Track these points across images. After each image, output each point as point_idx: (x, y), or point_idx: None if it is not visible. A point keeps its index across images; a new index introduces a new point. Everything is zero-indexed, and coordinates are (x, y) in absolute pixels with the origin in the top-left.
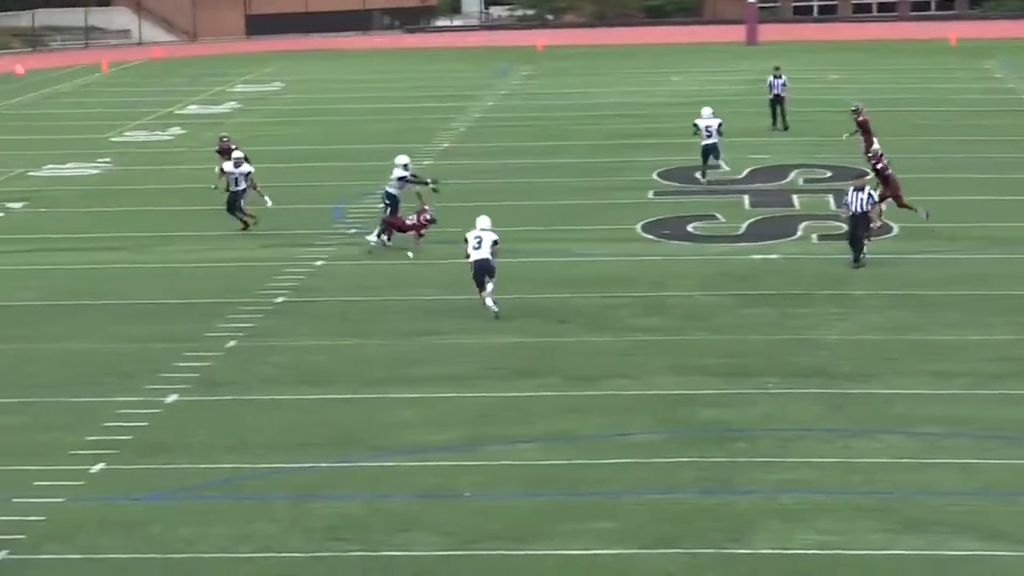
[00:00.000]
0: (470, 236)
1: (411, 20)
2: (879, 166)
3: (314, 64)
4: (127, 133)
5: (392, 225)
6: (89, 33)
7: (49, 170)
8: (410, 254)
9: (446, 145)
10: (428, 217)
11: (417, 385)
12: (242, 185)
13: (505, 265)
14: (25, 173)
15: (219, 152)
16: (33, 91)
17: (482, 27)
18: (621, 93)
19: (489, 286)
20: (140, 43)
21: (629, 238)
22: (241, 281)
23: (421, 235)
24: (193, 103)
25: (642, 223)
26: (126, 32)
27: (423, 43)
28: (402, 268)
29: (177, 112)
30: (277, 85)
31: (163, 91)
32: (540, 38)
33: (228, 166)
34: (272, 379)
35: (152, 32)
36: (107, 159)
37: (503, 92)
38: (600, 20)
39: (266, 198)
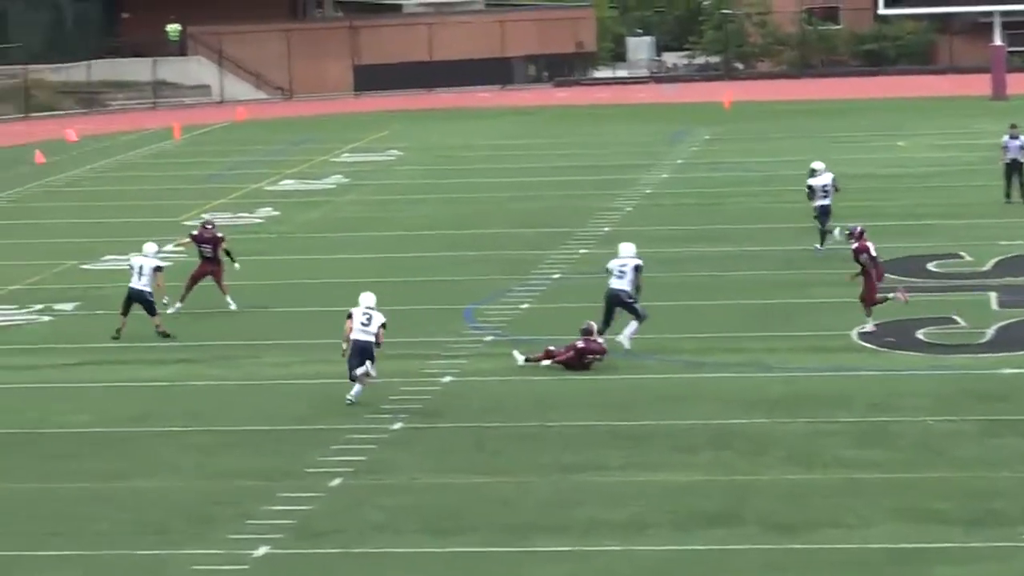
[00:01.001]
0: (356, 312)
1: (563, 71)
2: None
3: (440, 127)
4: (205, 215)
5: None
6: (158, 89)
7: (107, 262)
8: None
9: (607, 229)
10: (596, 348)
11: (572, 535)
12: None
13: (686, 381)
14: (78, 266)
15: (194, 240)
16: (87, 163)
17: (653, 79)
18: (831, 162)
19: (361, 370)
20: (222, 102)
21: (842, 347)
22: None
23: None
24: (289, 177)
25: (859, 328)
26: (204, 88)
27: (578, 99)
28: (551, 386)
29: (268, 188)
30: (393, 154)
31: (250, 162)
32: (727, 93)
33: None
34: (387, 527)
35: (237, 88)
36: (180, 249)
37: (680, 161)
38: (803, 70)
39: (165, 300)
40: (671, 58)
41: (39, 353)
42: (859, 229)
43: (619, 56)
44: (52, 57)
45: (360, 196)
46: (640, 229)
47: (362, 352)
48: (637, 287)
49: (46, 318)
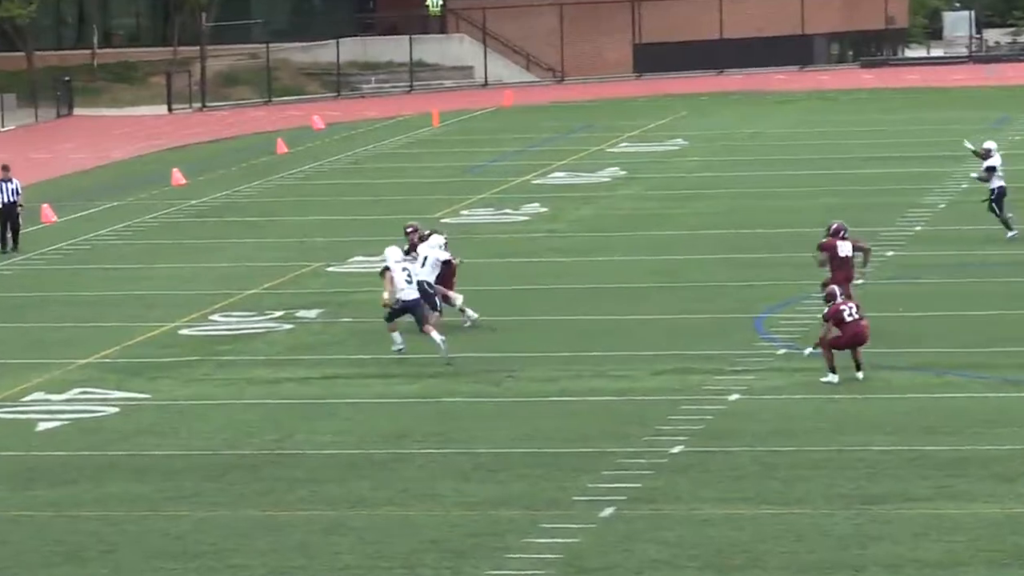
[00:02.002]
0: (396, 269)
1: (870, 50)
2: None
3: (730, 113)
4: (465, 212)
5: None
6: (415, 71)
7: (356, 264)
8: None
9: (918, 229)
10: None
11: (874, 574)
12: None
13: (1004, 401)
14: (323, 268)
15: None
16: (335, 153)
17: (972, 58)
18: None
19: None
20: (486, 85)
21: None
22: (622, 422)
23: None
24: (559, 169)
25: None
26: (467, 70)
27: (886, 82)
28: (850, 405)
29: (536, 181)
30: (677, 143)
31: (516, 152)
32: None
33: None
34: (665, 563)
35: (503, 70)
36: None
37: (1003, 151)
38: None
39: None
40: (993, 35)
41: (279, 365)
42: (834, 226)
43: (934, 33)
44: (298, 35)
45: (638, 191)
46: (953, 228)
47: (416, 308)
48: None
49: (287, 326)
